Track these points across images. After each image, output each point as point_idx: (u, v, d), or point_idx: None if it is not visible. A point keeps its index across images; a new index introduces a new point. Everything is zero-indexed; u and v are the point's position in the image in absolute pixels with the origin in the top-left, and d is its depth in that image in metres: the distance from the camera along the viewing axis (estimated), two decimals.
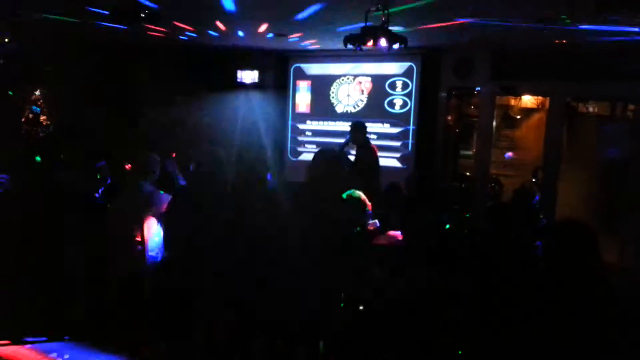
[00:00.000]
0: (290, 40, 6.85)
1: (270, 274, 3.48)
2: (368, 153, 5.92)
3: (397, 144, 7.60)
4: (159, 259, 4.14)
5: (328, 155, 3.49)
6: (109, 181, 4.89)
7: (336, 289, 3.45)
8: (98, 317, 4.32)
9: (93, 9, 5.36)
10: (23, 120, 7.07)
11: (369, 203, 3.74)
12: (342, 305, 3.62)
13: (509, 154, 8.62)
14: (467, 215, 4.36)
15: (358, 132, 5.90)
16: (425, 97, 7.43)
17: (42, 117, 7.21)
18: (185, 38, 6.95)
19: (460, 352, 3.37)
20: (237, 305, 3.67)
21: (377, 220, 3.95)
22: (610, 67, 6.25)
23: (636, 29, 4.68)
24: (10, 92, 7.00)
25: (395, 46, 4.69)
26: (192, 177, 4.04)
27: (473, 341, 3.28)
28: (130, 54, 8.08)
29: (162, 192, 4.20)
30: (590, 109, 7.77)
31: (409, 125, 7.49)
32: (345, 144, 5.88)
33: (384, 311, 3.46)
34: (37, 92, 7.23)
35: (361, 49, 4.75)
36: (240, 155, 4.20)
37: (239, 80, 8.37)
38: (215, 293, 3.54)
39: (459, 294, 3.39)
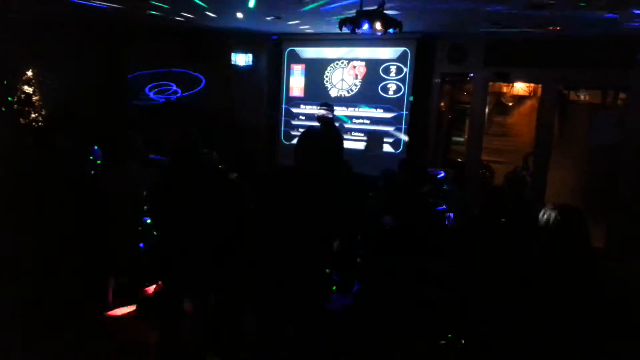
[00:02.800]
0: (286, 23, 6.82)
1: (259, 251, 3.51)
2: (333, 131, 6.32)
3: (390, 129, 7.62)
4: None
5: (313, 134, 3.53)
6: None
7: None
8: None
9: None
10: (15, 100, 6.99)
11: None
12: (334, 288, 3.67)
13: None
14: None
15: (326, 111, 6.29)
16: (419, 82, 7.42)
17: (35, 98, 7.13)
18: (180, 18, 6.88)
19: (449, 336, 3.44)
20: (227, 283, 3.71)
21: None
22: (602, 56, 6.28)
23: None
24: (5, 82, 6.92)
25: (390, 30, 4.68)
26: (170, 157, 4.00)
27: (462, 325, 3.35)
28: (123, 34, 8.00)
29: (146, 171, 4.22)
30: (582, 97, 7.83)
31: (403, 110, 7.51)
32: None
33: (375, 295, 3.52)
34: (30, 73, 7.15)
35: (354, 31, 4.73)
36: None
37: (232, 62, 8.32)
38: (206, 270, 3.56)
39: (448, 276, 3.45)
